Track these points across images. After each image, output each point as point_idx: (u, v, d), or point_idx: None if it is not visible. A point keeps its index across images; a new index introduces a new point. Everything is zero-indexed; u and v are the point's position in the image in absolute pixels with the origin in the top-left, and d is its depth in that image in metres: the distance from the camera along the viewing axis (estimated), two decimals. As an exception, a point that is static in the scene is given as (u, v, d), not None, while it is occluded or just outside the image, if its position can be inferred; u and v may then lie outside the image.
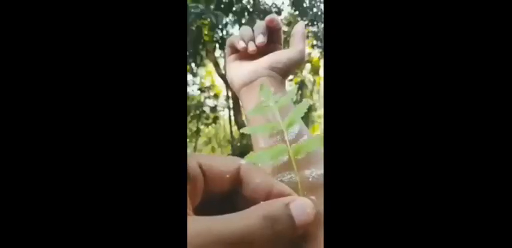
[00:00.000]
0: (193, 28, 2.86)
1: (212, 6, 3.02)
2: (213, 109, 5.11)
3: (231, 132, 4.50)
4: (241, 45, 0.29)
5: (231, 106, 4.44)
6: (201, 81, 5.48)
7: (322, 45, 3.81)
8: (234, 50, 0.31)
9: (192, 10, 2.64)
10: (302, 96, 4.46)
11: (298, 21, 4.03)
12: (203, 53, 3.42)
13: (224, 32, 3.46)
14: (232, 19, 3.48)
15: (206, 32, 3.25)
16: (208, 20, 2.79)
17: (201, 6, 2.74)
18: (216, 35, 3.44)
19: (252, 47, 0.29)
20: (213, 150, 6.10)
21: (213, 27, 3.17)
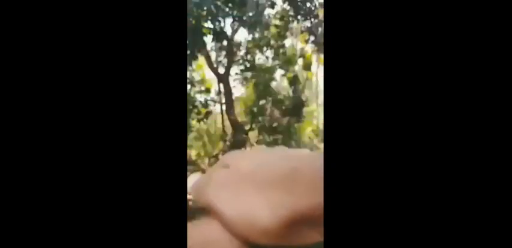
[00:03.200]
0: (191, 19, 2.79)
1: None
2: (205, 104, 5.04)
3: (223, 127, 4.47)
4: None
5: (223, 101, 4.39)
6: (192, 75, 5.37)
7: (316, 40, 3.82)
8: None
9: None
10: (295, 92, 4.48)
11: (290, 15, 4.01)
12: (195, 50, 3.36)
13: (222, 24, 3.39)
14: (226, 11, 3.41)
15: (204, 24, 3.18)
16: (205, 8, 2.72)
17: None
18: (216, 27, 3.37)
19: None
20: (204, 145, 6.04)
21: (212, 18, 3.10)
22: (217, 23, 3.35)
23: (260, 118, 4.44)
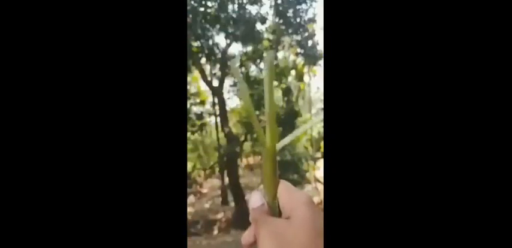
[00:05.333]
0: None
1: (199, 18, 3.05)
2: (200, 116, 5.06)
3: (218, 138, 4.47)
4: None
5: (217, 113, 4.43)
6: (187, 87, 5.44)
7: (305, 52, 3.92)
8: None
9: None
10: (288, 102, 4.55)
11: (282, 29, 4.16)
12: (189, 63, 3.42)
13: (210, 42, 3.49)
14: (218, 27, 3.53)
15: (193, 44, 3.28)
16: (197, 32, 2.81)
17: (188, 20, 2.76)
18: (203, 46, 3.46)
19: None
20: (199, 156, 6.00)
21: (199, 38, 3.19)
22: (204, 41, 3.44)
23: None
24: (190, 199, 5.37)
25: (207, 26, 2.90)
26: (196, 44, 3.38)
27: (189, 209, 4.59)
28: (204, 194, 5.59)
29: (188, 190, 5.74)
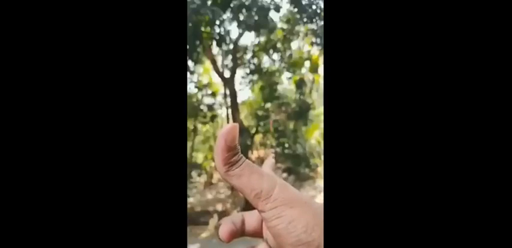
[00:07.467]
0: (190, 24, 2.79)
1: (209, 2, 2.95)
2: (211, 107, 5.04)
3: (229, 130, 4.44)
4: None
5: (229, 104, 4.38)
6: (199, 79, 5.40)
7: (322, 42, 3.76)
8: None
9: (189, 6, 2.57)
10: (301, 95, 4.42)
11: (296, 18, 3.98)
12: (200, 50, 3.33)
13: (222, 29, 3.39)
14: (231, 16, 3.41)
15: (203, 29, 3.17)
16: (207, 16, 2.73)
17: (197, 2, 2.68)
18: (213, 32, 3.36)
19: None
20: (210, 148, 6.04)
21: (210, 23, 3.09)
22: (217, 28, 3.32)
23: (265, 122, 4.38)
24: (200, 189, 5.46)
25: (214, 9, 2.77)
26: (208, 29, 3.26)
27: (198, 199, 4.68)
28: (214, 185, 5.66)
29: (198, 180, 5.84)
